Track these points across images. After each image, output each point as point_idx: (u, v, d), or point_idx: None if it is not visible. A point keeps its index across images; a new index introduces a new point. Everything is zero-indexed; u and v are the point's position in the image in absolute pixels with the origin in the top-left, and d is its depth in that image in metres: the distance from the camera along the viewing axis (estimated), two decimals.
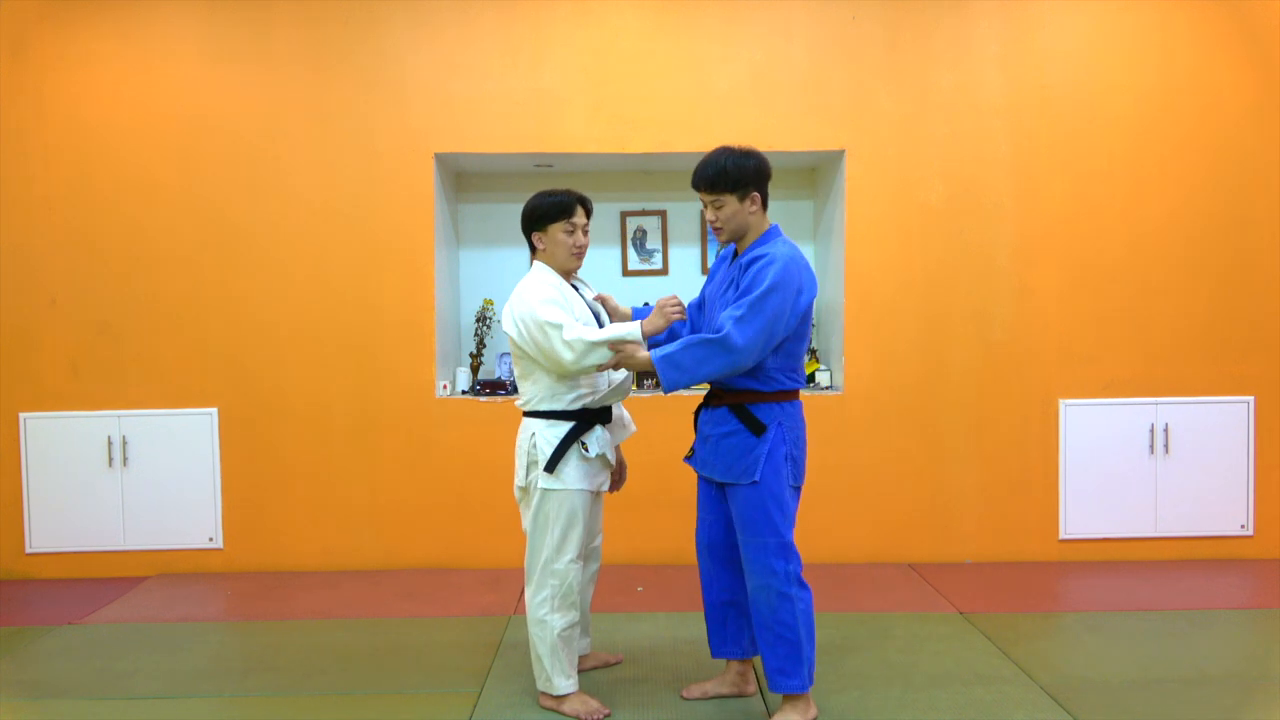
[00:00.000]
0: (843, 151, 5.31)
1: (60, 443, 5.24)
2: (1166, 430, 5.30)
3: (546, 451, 3.36)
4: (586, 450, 3.40)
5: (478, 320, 5.69)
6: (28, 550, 5.27)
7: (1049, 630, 4.35)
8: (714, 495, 3.46)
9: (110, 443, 5.25)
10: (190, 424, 5.28)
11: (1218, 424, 5.30)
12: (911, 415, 5.33)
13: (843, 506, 5.33)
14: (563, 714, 3.44)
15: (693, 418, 3.57)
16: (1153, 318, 5.32)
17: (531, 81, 5.26)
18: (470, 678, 3.79)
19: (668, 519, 5.15)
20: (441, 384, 5.38)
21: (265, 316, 5.28)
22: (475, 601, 4.76)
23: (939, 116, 5.29)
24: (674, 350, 3.20)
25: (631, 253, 5.94)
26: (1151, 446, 5.31)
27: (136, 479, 5.27)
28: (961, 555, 5.36)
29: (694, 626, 4.27)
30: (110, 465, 5.26)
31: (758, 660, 3.71)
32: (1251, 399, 5.31)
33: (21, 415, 5.24)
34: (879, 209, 5.30)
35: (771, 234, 3.36)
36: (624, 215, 5.91)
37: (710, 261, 5.91)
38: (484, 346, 5.70)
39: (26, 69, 5.18)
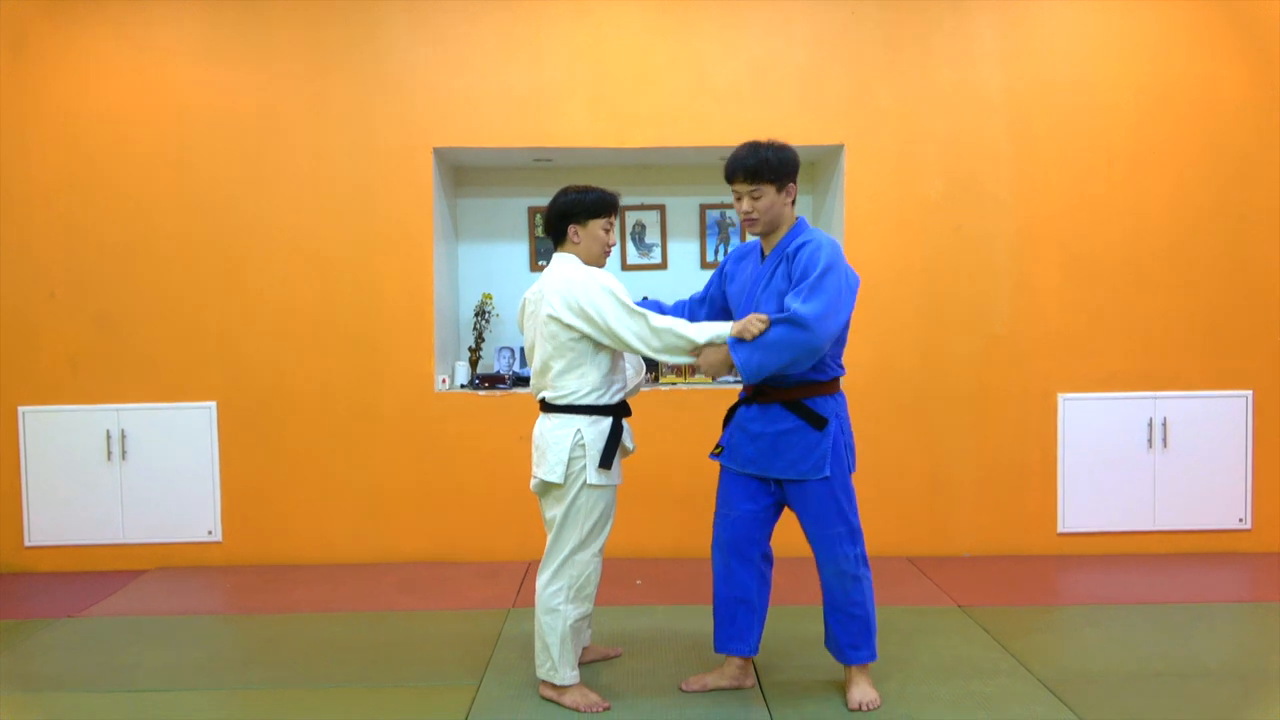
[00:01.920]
0: (841, 146, 5.31)
1: (59, 436, 5.24)
2: (1165, 424, 5.31)
3: (598, 447, 3.36)
4: (627, 446, 3.48)
5: (476, 314, 5.69)
6: (27, 544, 5.27)
7: (1047, 623, 4.36)
8: (751, 491, 3.46)
9: (109, 436, 5.25)
10: (189, 417, 5.28)
11: (1216, 418, 5.31)
12: (910, 409, 5.34)
13: None
14: (563, 705, 3.44)
15: (725, 414, 3.58)
16: (1151, 312, 5.32)
17: (531, 76, 5.25)
18: (469, 671, 3.80)
19: (666, 513, 5.16)
20: (440, 378, 5.38)
21: (265, 310, 5.28)
22: (474, 595, 4.76)
23: (938, 111, 5.28)
24: (758, 340, 3.20)
25: (630, 247, 5.95)
26: (1150, 440, 5.31)
27: (135, 472, 5.27)
28: (960, 549, 5.36)
29: (692, 619, 4.28)
30: (109, 459, 5.26)
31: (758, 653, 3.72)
32: (1250, 393, 5.31)
33: (20, 409, 5.24)
34: (878, 203, 5.30)
35: (803, 224, 3.42)
36: (623, 210, 5.91)
37: (710, 255, 5.91)
38: (483, 341, 5.70)
39: (27, 64, 5.17)
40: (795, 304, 3.17)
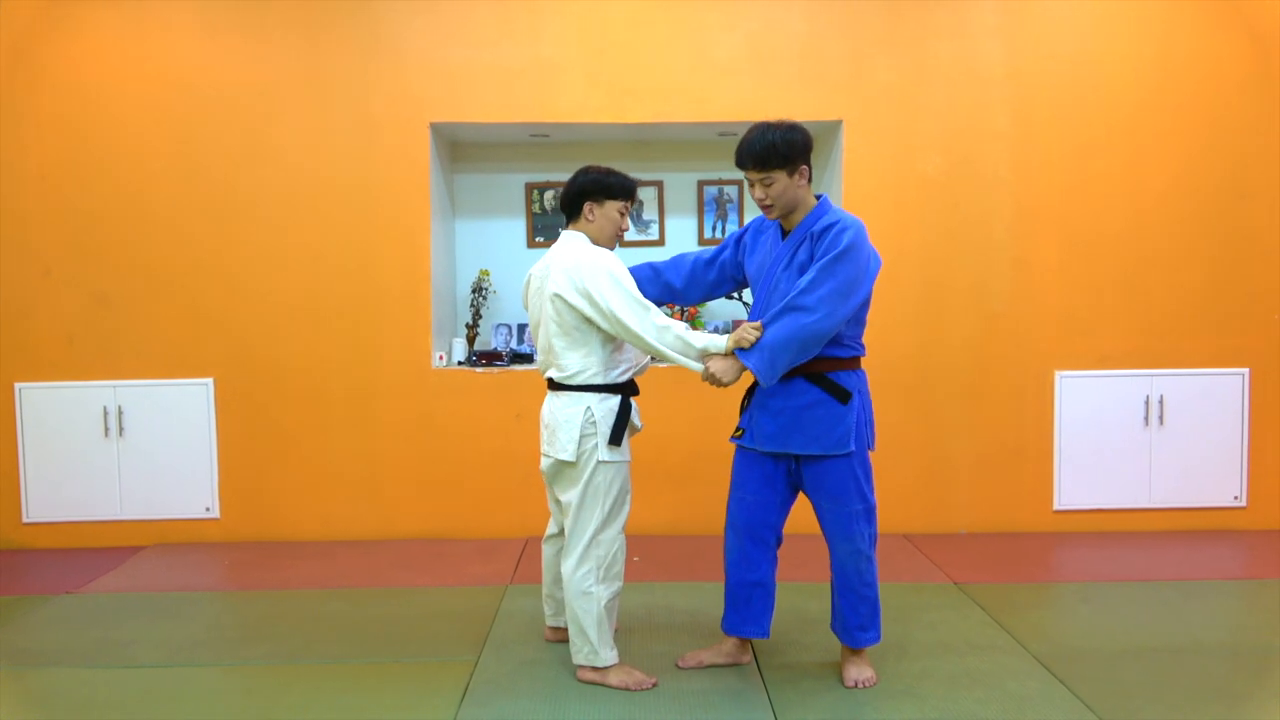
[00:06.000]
0: (840, 122, 5.28)
1: (56, 413, 5.23)
2: (1161, 402, 5.31)
3: (608, 423, 3.34)
4: (635, 424, 3.46)
5: (473, 291, 5.68)
6: (25, 520, 5.27)
7: (1043, 600, 4.38)
8: (767, 473, 3.41)
9: (106, 413, 5.24)
10: (186, 394, 5.27)
11: (1212, 396, 5.31)
12: (908, 386, 5.33)
13: None
14: (609, 686, 3.39)
15: (742, 397, 3.51)
16: (1149, 290, 5.31)
17: (528, 51, 5.21)
18: (466, 647, 3.80)
19: (664, 491, 5.16)
20: (437, 355, 5.37)
21: (261, 286, 5.26)
22: (471, 571, 4.77)
23: (937, 87, 5.26)
24: (761, 341, 3.20)
25: (628, 223, 5.91)
26: (1146, 418, 5.32)
27: (133, 449, 5.27)
28: (956, 526, 5.38)
29: (690, 596, 4.30)
30: (106, 435, 5.25)
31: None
32: (1246, 371, 5.31)
33: (17, 385, 5.23)
34: (876, 180, 5.28)
35: (826, 204, 3.36)
36: None
37: (708, 232, 5.89)
38: (480, 317, 5.69)
39: (21, 37, 5.12)
40: (800, 284, 3.16)
